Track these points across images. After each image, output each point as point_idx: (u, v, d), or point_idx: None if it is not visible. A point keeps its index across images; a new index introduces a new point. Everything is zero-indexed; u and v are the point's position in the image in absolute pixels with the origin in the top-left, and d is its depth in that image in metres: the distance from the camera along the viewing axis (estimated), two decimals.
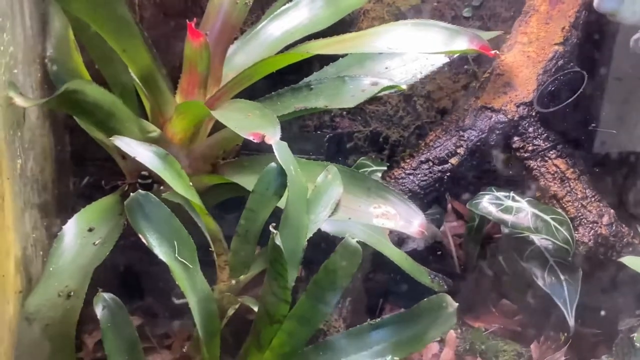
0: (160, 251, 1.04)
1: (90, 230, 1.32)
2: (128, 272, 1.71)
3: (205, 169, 1.59)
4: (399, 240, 1.48)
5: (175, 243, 1.05)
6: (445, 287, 1.44)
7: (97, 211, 1.38)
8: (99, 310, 1.10)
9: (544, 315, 1.77)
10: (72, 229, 1.30)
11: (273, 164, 1.22)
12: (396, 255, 1.37)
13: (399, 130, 2.05)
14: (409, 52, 1.61)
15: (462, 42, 1.40)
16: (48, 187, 1.55)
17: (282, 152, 1.23)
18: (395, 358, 1.17)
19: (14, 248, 1.16)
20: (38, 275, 1.30)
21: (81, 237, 1.30)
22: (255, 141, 1.19)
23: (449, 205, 2.08)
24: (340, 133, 1.88)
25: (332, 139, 1.67)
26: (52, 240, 1.36)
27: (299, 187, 1.22)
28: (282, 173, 1.22)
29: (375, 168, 1.85)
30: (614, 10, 1.31)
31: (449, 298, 1.25)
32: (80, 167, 1.88)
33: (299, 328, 1.13)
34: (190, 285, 1.06)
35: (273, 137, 1.21)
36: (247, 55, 1.67)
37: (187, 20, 1.44)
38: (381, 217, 1.26)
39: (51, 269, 1.22)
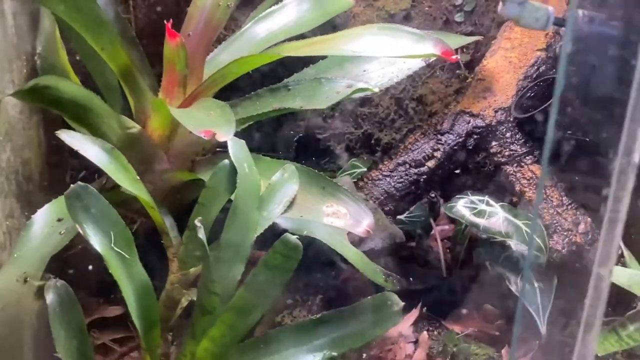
0: (96, 240, 1.09)
1: (59, 220, 1.38)
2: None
3: (185, 165, 1.65)
4: (359, 240, 1.51)
5: (112, 233, 1.10)
6: (398, 287, 1.46)
7: None
8: (48, 297, 1.15)
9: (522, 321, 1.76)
10: (41, 219, 1.36)
11: (226, 161, 1.26)
12: (352, 254, 1.40)
13: (391, 132, 2.07)
14: (378, 56, 1.63)
15: (427, 47, 1.42)
16: (34, 178, 1.62)
17: (236, 149, 1.28)
18: (333, 353, 1.19)
19: None
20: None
21: (49, 226, 1.36)
22: (206, 138, 1.23)
23: (442, 209, 2.09)
24: (310, 134, 1.91)
25: (302, 140, 1.70)
26: None
27: (251, 183, 1.26)
28: (233, 170, 1.26)
29: (364, 170, 1.88)
30: (517, 16, 1.32)
31: (395, 297, 1.27)
32: (77, 161, 1.96)
33: (238, 320, 1.16)
34: (126, 276, 1.11)
35: (225, 134, 1.25)
36: (230, 55, 1.72)
37: (166, 22, 1.50)
38: (332, 216, 1.29)
39: (15, 255, 1.29)
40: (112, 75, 1.63)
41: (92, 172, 1.95)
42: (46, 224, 1.36)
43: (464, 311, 1.89)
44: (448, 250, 2.00)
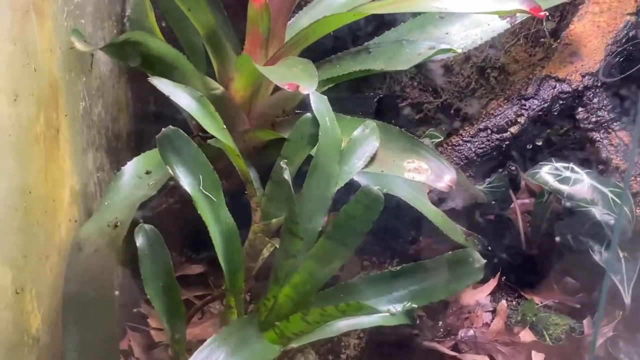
0: (186, 182, 1.12)
1: (147, 172, 1.43)
2: (198, 224, 1.81)
3: (266, 127, 1.67)
4: (440, 199, 1.50)
5: (201, 177, 1.13)
6: (479, 246, 1.44)
7: (156, 157, 1.47)
8: (138, 240, 1.20)
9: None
10: (130, 170, 1.41)
11: (308, 114, 1.27)
12: (431, 212, 1.39)
13: (472, 102, 2.04)
14: (471, 15, 1.61)
15: (514, 3, 1.40)
16: (122, 137, 1.68)
17: (318, 103, 1.29)
18: (413, 305, 1.19)
19: (70, 180, 1.27)
20: None
21: (138, 178, 1.40)
22: (289, 90, 1.25)
23: (522, 182, 2.05)
24: (392, 96, 1.90)
25: (381, 101, 1.70)
26: None
27: (332, 137, 1.27)
28: (315, 123, 1.27)
29: (441, 139, 1.87)
30: None
31: (476, 254, 1.26)
32: (163, 126, 2.01)
33: (319, 268, 1.18)
34: (214, 218, 1.14)
35: (308, 88, 1.26)
36: (310, 19, 1.72)
37: None
38: (413, 171, 1.29)
39: (106, 203, 1.34)
40: (197, 38, 1.67)
41: None
42: (135, 175, 1.41)
43: (543, 283, 1.86)
44: (527, 224, 1.97)
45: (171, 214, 1.76)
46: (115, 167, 1.61)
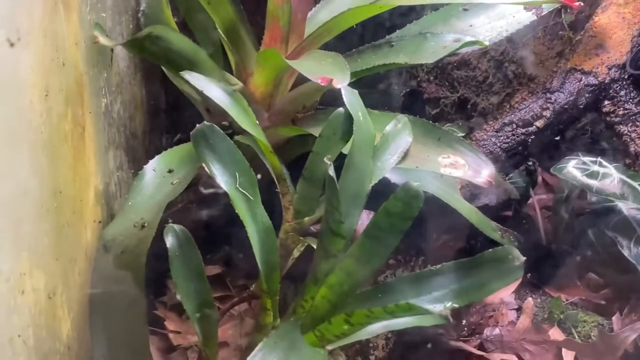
0: (222, 180, 1.07)
1: (169, 171, 1.38)
2: (213, 224, 1.77)
3: (286, 122, 1.63)
4: (471, 195, 1.46)
5: (237, 174, 1.08)
6: (516, 243, 1.41)
7: (178, 154, 1.44)
8: (168, 240, 1.15)
9: (632, 289, 1.69)
10: (152, 169, 1.36)
11: (341, 109, 1.23)
12: (465, 209, 1.35)
13: (488, 96, 2.01)
14: (495, 7, 1.57)
15: None
16: (138, 135, 1.63)
17: (350, 98, 1.25)
18: (455, 305, 1.15)
19: (94, 179, 1.23)
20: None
21: (161, 176, 1.36)
22: (322, 84, 1.21)
23: (539, 178, 2.02)
24: (416, 90, 1.87)
25: (408, 95, 1.66)
26: None
27: (366, 132, 1.23)
28: (349, 118, 1.23)
29: (461, 135, 1.83)
30: None
31: (515, 251, 1.21)
32: (174, 124, 1.97)
33: (357, 267, 1.13)
34: (251, 216, 1.09)
35: (341, 81, 1.22)
36: (330, 12, 1.68)
37: None
38: (449, 167, 1.25)
39: (130, 203, 1.29)
40: (214, 32, 1.62)
41: (188, 136, 1.96)
42: (158, 174, 1.36)
43: (566, 280, 1.83)
44: (547, 220, 1.94)
45: (185, 213, 1.71)
46: (133, 166, 1.56)
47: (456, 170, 1.24)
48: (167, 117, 1.96)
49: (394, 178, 1.33)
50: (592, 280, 1.80)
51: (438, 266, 1.18)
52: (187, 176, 1.38)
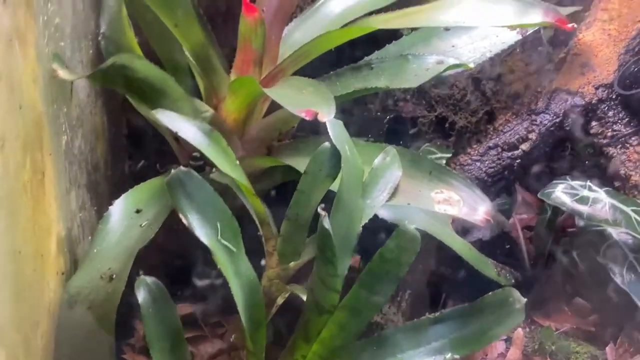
0: (202, 233, 0.97)
1: (137, 211, 1.27)
2: (178, 257, 1.66)
3: (260, 151, 1.53)
4: (463, 229, 1.38)
5: (218, 225, 0.98)
6: (512, 280, 1.33)
7: (146, 192, 1.33)
8: (140, 295, 1.04)
9: (621, 315, 1.63)
10: (119, 210, 1.25)
11: (327, 144, 1.14)
12: (459, 245, 1.27)
13: (467, 115, 1.94)
14: (478, 27, 1.50)
15: (536, 15, 1.29)
16: (100, 167, 1.51)
17: (336, 131, 1.15)
18: (455, 356, 1.07)
19: (57, 227, 1.11)
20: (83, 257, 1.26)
21: (128, 218, 1.25)
22: (307, 119, 1.11)
23: (519, 196, 1.96)
24: (401, 116, 1.79)
25: (392, 121, 1.57)
26: None
27: (354, 168, 1.14)
28: (335, 153, 1.13)
29: (440, 155, 1.75)
30: None
31: (516, 293, 1.14)
32: (137, 150, 1.84)
33: (351, 319, 1.04)
34: (234, 271, 0.99)
35: (327, 114, 1.13)
36: (304, 33, 1.60)
37: None
38: (443, 203, 1.17)
39: (95, 250, 1.18)
40: (181, 55, 1.51)
41: (152, 162, 1.84)
42: (125, 216, 1.25)
43: (553, 305, 1.77)
44: (529, 241, 1.88)
45: (153, 247, 1.60)
46: (96, 202, 1.44)
47: (451, 207, 1.16)
48: (129, 143, 1.84)
49: (382, 213, 1.24)
50: (579, 305, 1.74)
51: (437, 314, 1.10)
52: (158, 216, 1.26)
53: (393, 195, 1.19)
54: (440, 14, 1.35)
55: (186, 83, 1.55)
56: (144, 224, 1.24)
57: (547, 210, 1.75)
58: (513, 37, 1.52)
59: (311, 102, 1.17)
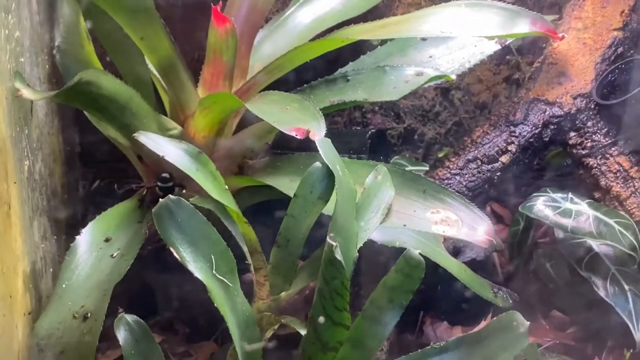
0: (196, 267, 0.87)
1: (106, 240, 1.17)
2: (143, 285, 1.55)
3: (231, 170, 1.44)
4: (455, 249, 1.32)
5: (213, 257, 0.89)
6: (510, 302, 1.28)
7: (114, 219, 1.23)
8: (121, 336, 0.94)
9: (601, 328, 1.61)
10: (86, 240, 1.15)
11: (318, 164, 1.06)
12: (454, 267, 1.21)
13: (435, 126, 1.90)
14: (461, 37, 1.45)
15: (524, 25, 1.24)
16: (57, 192, 1.40)
17: (326, 150, 1.07)
18: None
19: (23, 263, 1.00)
20: (49, 292, 1.15)
21: (97, 248, 1.15)
22: (298, 137, 1.03)
23: (487, 208, 1.92)
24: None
25: (374, 136, 1.51)
26: (62, 253, 1.21)
27: (348, 189, 1.06)
28: (328, 174, 1.06)
29: (411, 168, 1.69)
30: None
31: (519, 316, 1.09)
32: (90, 170, 1.72)
33: (354, 353, 0.97)
34: (230, 307, 0.90)
35: (318, 132, 1.05)
36: (274, 45, 1.52)
37: (211, 4, 1.29)
38: (441, 224, 1.10)
39: (64, 285, 1.07)
40: (144, 69, 1.42)
41: (107, 183, 1.73)
42: (93, 246, 1.15)
43: (530, 319, 1.73)
44: (500, 254, 1.84)
45: None
46: (56, 231, 1.33)
47: (449, 227, 1.09)
48: (82, 163, 1.71)
49: (372, 235, 1.16)
50: (557, 319, 1.71)
51: (442, 343, 1.03)
52: (131, 245, 1.16)
53: (386, 216, 1.12)
54: (422, 24, 1.29)
55: (150, 98, 1.45)
56: (115, 254, 1.14)
57: (519, 222, 1.72)
58: (492, 46, 1.48)
59: (299, 119, 1.09)
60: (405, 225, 1.11)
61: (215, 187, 0.96)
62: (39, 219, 1.15)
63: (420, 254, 1.00)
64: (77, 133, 1.64)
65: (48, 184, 1.28)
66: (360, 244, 1.07)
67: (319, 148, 1.07)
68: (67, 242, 1.30)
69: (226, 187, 1.00)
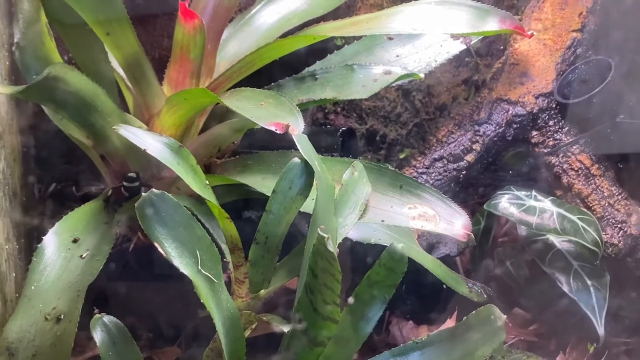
0: (182, 263, 0.85)
1: (74, 241, 1.14)
2: (104, 289, 1.51)
3: None
4: (428, 245, 1.32)
5: (198, 253, 0.86)
6: (485, 296, 1.29)
7: (80, 220, 1.19)
8: (97, 337, 0.91)
9: (564, 324, 1.64)
10: (53, 241, 1.11)
11: (297, 159, 1.05)
12: (428, 262, 1.21)
13: (397, 128, 1.90)
14: (423, 35, 1.46)
15: (493, 23, 1.26)
16: (17, 193, 1.35)
17: (304, 145, 1.06)
18: None
19: None
20: (13, 296, 1.10)
21: (65, 249, 1.11)
22: (278, 132, 1.02)
23: None
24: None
25: (345, 134, 1.50)
26: (24, 255, 1.17)
27: (327, 185, 1.05)
28: (307, 170, 1.04)
29: None
30: None
31: (496, 310, 1.10)
32: (45, 171, 1.67)
33: (338, 351, 0.96)
34: (216, 303, 0.88)
35: (297, 127, 1.04)
36: (240, 43, 1.50)
37: (172, 3, 1.27)
38: (419, 219, 1.10)
39: (33, 287, 1.03)
40: (107, 66, 1.38)
41: (65, 185, 1.68)
42: (61, 247, 1.11)
43: None
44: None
45: None
46: (17, 232, 1.28)
47: (427, 222, 1.09)
48: (37, 164, 1.66)
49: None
50: (518, 316, 1.73)
51: (423, 338, 1.03)
52: (101, 246, 1.13)
53: (364, 212, 1.11)
54: (393, 21, 1.29)
55: (113, 96, 1.41)
56: (84, 255, 1.11)
57: (480, 221, 1.73)
58: (457, 46, 1.49)
59: (276, 114, 1.08)
60: (383, 221, 1.10)
61: (196, 182, 0.94)
62: (3, 220, 1.10)
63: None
64: (32, 132, 1.59)
65: (10, 184, 1.23)
66: (339, 240, 1.06)
67: (297, 144, 1.06)
68: (27, 245, 1.26)
69: (207, 182, 0.98)
